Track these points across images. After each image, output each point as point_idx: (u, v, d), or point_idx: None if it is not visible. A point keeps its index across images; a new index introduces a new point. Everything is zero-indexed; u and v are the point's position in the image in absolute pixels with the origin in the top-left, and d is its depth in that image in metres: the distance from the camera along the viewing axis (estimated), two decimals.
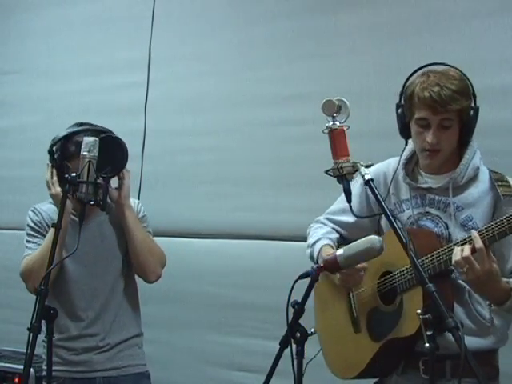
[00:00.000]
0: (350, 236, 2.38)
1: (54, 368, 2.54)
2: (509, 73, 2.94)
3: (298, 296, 2.15)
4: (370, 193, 2.30)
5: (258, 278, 3.40)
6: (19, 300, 3.69)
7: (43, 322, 2.24)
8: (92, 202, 2.26)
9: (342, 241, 2.39)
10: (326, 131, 1.99)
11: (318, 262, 2.28)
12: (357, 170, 1.97)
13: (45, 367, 2.58)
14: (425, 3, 3.17)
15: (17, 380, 3.07)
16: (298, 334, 1.84)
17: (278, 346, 1.89)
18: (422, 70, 2.18)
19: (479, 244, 1.94)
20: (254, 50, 3.60)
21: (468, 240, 2.00)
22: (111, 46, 4.01)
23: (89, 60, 4.07)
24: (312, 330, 1.85)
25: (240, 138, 3.59)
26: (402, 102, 2.21)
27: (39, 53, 4.30)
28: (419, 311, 1.74)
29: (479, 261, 1.94)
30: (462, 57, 3.01)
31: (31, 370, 2.50)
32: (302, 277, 1.92)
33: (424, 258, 2.06)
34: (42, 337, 2.56)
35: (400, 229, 1.86)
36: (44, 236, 2.61)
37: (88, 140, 2.26)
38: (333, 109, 1.98)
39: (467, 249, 1.95)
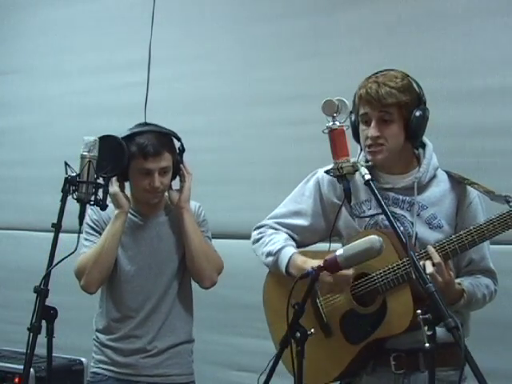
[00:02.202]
0: (303, 240, 2.36)
1: (100, 366, 2.62)
2: (509, 73, 2.95)
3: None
4: (324, 192, 2.30)
5: (258, 278, 3.38)
6: (19, 300, 3.70)
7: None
8: (92, 202, 2.25)
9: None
10: (326, 131, 2.00)
11: (287, 271, 2.24)
12: (357, 170, 1.98)
13: (92, 364, 2.67)
14: (425, 3, 3.17)
15: (17, 380, 3.06)
16: (298, 334, 1.83)
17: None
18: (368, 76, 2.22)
19: (437, 259, 2.01)
20: (254, 50, 3.61)
21: (424, 255, 2.04)
22: (111, 46, 4.02)
23: (89, 60, 4.07)
24: (312, 330, 1.85)
25: (240, 138, 3.59)
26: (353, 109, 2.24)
27: (38, 53, 4.30)
28: (419, 311, 1.74)
29: (440, 274, 2.00)
30: (462, 56, 3.03)
31: (31, 369, 2.51)
32: (302, 277, 1.92)
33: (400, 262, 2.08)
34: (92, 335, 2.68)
35: (400, 229, 1.87)
36: (101, 234, 2.60)
37: (88, 140, 2.25)
38: (333, 109, 1.98)
39: (429, 264, 2.00)
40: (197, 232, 2.59)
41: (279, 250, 2.29)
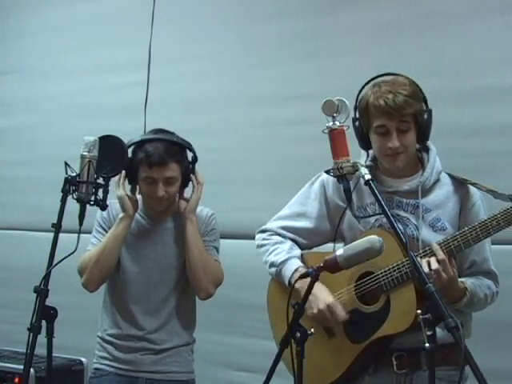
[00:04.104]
0: (308, 243, 2.38)
1: (101, 362, 2.64)
2: (509, 73, 2.95)
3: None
4: (328, 195, 2.32)
5: (257, 278, 3.38)
6: (19, 300, 3.70)
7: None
8: (92, 202, 2.25)
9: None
10: (326, 131, 2.00)
11: (289, 284, 2.24)
12: (357, 170, 1.98)
13: (95, 361, 2.68)
14: (425, 3, 3.17)
15: (17, 380, 3.06)
16: (298, 334, 1.83)
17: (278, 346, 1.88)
18: (373, 82, 2.21)
19: (441, 256, 2.02)
20: (254, 50, 3.61)
21: (429, 252, 2.06)
22: (111, 45, 4.02)
23: (89, 60, 4.07)
24: (312, 330, 1.85)
25: (240, 138, 3.59)
26: (357, 115, 2.23)
27: (38, 53, 4.30)
28: (419, 311, 1.74)
29: (444, 270, 2.01)
30: (462, 57, 3.03)
31: (31, 369, 2.51)
32: (301, 277, 1.91)
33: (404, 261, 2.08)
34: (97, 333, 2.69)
35: (400, 229, 1.87)
36: None
37: (88, 140, 2.25)
38: (333, 109, 1.98)
39: (434, 261, 2.01)
40: (197, 243, 2.59)
41: (283, 262, 2.31)
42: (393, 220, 1.88)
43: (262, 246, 2.42)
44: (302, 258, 2.33)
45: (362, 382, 2.21)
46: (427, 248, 2.07)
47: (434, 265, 2.00)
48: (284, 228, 2.39)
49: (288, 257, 2.31)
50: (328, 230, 2.33)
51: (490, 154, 2.91)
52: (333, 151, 1.99)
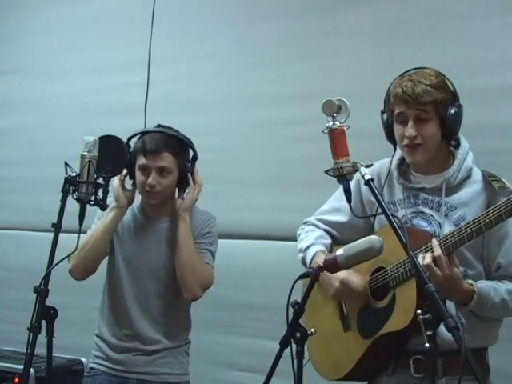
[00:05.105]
0: (342, 237, 2.39)
1: (96, 362, 2.65)
2: (509, 73, 2.95)
3: (297, 296, 2.17)
4: (363, 192, 2.34)
5: (257, 278, 3.40)
6: (19, 300, 3.70)
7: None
8: (92, 202, 2.25)
9: (335, 244, 2.38)
10: (326, 131, 1.99)
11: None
12: (357, 170, 1.97)
13: (90, 360, 2.69)
14: (425, 3, 3.17)
15: (17, 380, 3.06)
16: (298, 334, 1.83)
17: (278, 346, 1.88)
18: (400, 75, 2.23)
19: (438, 252, 2.00)
20: (254, 50, 3.61)
21: (430, 248, 2.05)
22: (111, 45, 4.02)
23: (89, 60, 4.07)
24: (312, 330, 1.85)
25: (240, 138, 3.59)
26: (385, 108, 2.26)
27: (38, 53, 4.31)
28: (419, 311, 1.74)
29: (440, 267, 1.99)
30: (463, 56, 3.03)
31: (31, 369, 2.51)
32: (301, 277, 1.91)
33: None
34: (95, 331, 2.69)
35: (399, 227, 1.87)
36: None
37: (88, 140, 2.26)
38: (333, 109, 1.98)
39: (428, 256, 2.00)
40: (188, 242, 2.57)
41: (308, 247, 2.35)
42: (392, 219, 1.87)
43: (298, 235, 2.48)
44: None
45: (380, 382, 2.21)
46: (429, 244, 2.06)
47: (426, 260, 1.99)
48: (320, 220, 2.44)
49: (312, 242, 2.35)
50: (361, 225, 2.34)
51: (490, 153, 2.90)
52: (333, 151, 1.99)
